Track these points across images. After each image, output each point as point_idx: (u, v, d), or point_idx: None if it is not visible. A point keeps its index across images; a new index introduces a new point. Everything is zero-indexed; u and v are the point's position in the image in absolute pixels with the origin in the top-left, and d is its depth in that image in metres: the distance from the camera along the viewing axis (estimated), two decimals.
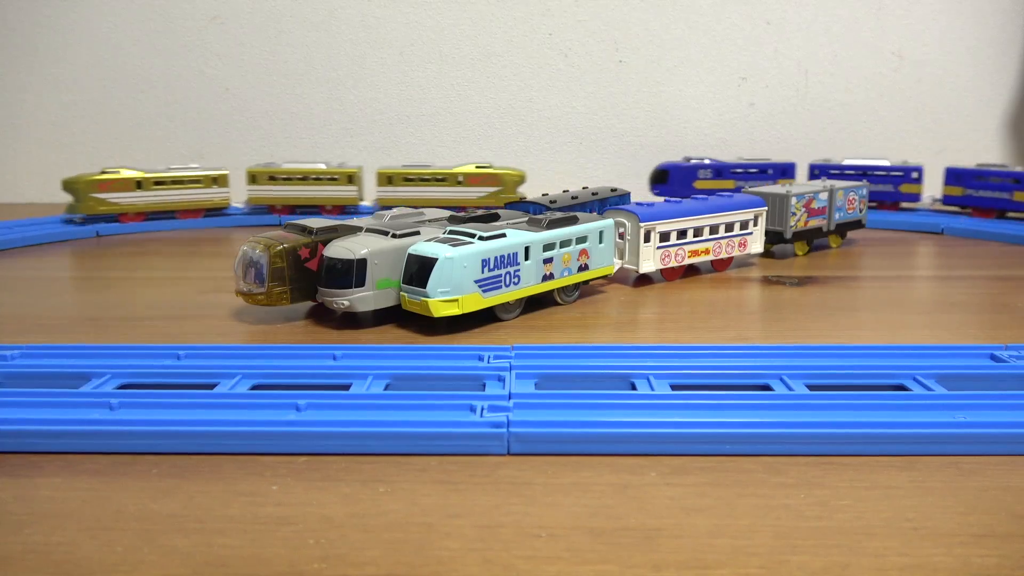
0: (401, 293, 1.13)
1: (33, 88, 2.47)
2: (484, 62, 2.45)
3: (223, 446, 0.76)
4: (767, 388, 0.88)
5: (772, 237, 1.61)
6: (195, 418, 0.79)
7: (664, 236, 1.41)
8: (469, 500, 0.68)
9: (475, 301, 1.12)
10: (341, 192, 2.09)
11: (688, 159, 2.16)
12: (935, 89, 2.44)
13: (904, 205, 2.12)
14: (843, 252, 1.72)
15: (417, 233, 1.20)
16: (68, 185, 1.96)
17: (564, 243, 1.23)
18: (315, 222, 1.22)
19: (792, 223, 1.62)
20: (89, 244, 1.86)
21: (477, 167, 2.07)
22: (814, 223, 1.67)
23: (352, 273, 1.12)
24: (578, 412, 0.80)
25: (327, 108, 2.47)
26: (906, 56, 2.43)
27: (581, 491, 0.69)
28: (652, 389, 0.87)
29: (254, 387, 0.89)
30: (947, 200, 2.06)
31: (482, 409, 0.79)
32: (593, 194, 1.51)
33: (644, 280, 1.45)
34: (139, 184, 1.99)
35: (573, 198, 1.48)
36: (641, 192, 1.94)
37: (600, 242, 1.29)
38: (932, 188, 2.16)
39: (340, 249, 1.14)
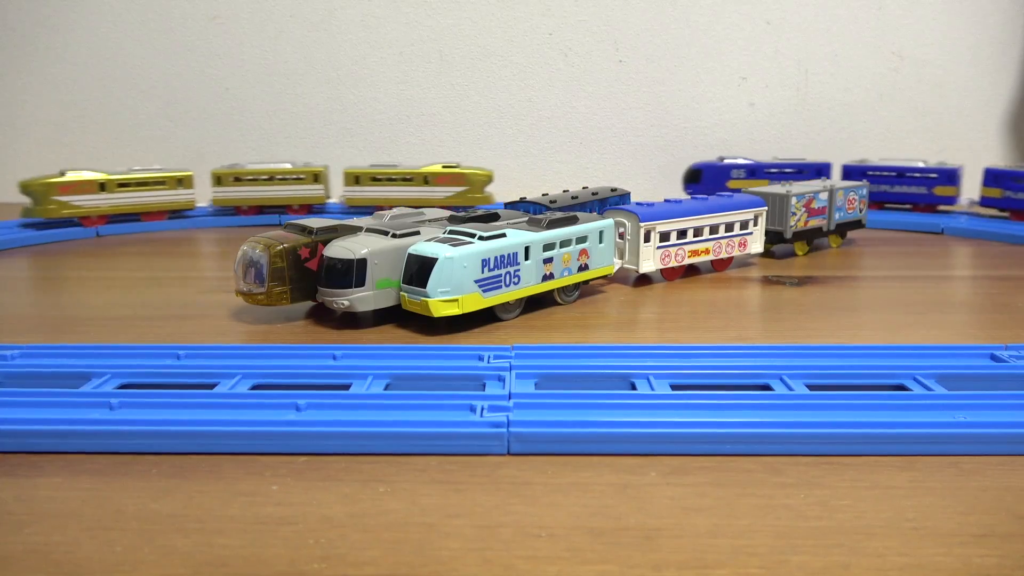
0: (401, 293, 1.13)
1: (33, 88, 2.47)
2: (484, 62, 2.45)
3: (223, 446, 0.76)
4: (767, 388, 0.88)
5: (772, 237, 1.61)
6: (195, 418, 0.79)
7: (664, 236, 1.41)
8: (469, 500, 0.68)
9: (475, 301, 1.12)
10: (307, 191, 2.08)
11: (722, 159, 2.13)
12: (935, 89, 2.44)
13: (941, 208, 2.02)
14: (843, 252, 1.72)
15: (417, 233, 1.20)
16: (26, 187, 1.85)
17: (564, 243, 1.23)
18: (315, 222, 1.23)
19: (792, 223, 1.62)
20: (89, 244, 1.86)
21: (444, 167, 2.05)
22: (814, 223, 1.67)
23: (352, 273, 1.12)
24: (578, 412, 0.80)
25: (327, 108, 2.47)
26: (906, 56, 2.42)
27: (581, 491, 0.69)
28: (652, 389, 0.87)
29: (254, 387, 0.89)
30: (984, 202, 1.97)
31: (482, 409, 0.79)
32: (593, 194, 1.52)
33: (644, 280, 1.45)
34: (102, 186, 1.92)
35: (573, 198, 1.48)
36: (641, 192, 1.94)
37: (600, 242, 1.29)
38: (969, 190, 2.07)
39: (340, 249, 1.14)
